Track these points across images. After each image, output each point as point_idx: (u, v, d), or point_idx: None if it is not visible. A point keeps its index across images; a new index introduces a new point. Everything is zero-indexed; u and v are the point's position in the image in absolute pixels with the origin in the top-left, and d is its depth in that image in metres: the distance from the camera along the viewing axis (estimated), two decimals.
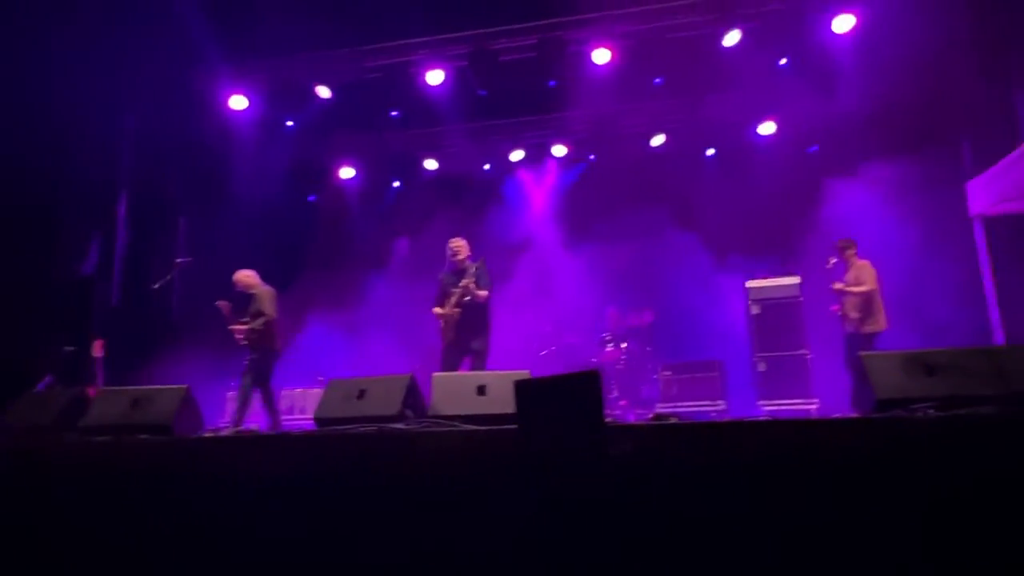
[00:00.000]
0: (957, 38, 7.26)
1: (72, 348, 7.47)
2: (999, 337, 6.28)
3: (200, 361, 7.75)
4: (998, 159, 5.94)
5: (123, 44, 7.95)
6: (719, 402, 7.76)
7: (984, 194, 6.32)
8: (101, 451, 3.70)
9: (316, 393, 8.47)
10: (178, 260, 7.70)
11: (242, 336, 6.65)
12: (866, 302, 6.54)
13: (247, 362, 6.71)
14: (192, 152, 9.63)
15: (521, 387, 2.56)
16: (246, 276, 6.94)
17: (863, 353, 3.52)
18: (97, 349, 6.85)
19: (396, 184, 11.22)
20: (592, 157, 10.53)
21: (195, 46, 8.40)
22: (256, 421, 7.62)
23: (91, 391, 6.37)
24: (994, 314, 6.33)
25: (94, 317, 8.04)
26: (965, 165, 8.29)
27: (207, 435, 4.22)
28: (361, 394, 3.87)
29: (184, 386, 4.24)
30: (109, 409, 4.18)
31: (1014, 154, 5.63)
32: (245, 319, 6.72)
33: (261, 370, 6.72)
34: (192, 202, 9.65)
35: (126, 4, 7.86)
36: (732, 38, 7.90)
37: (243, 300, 6.87)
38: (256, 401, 6.77)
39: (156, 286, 7.36)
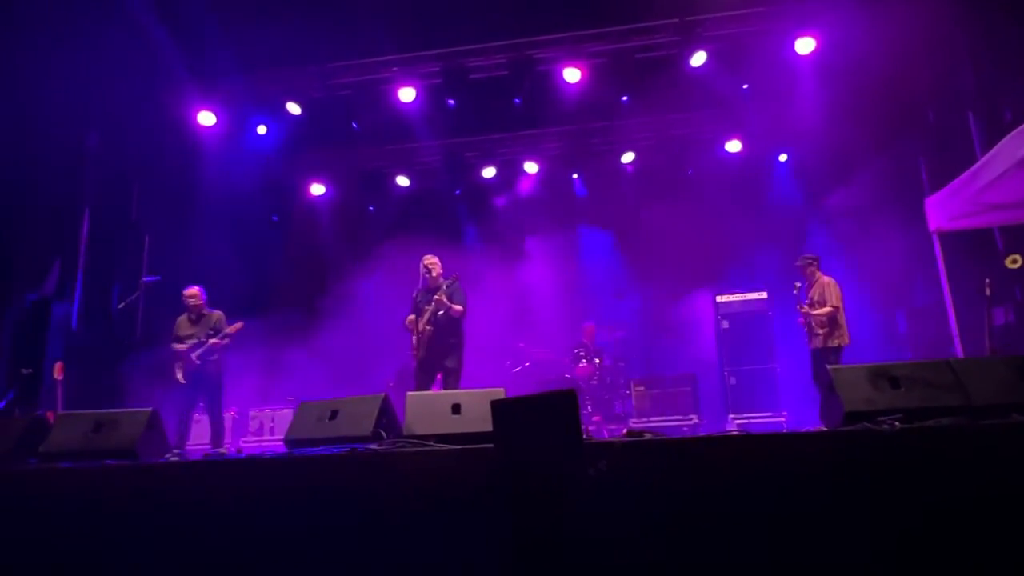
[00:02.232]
0: (913, 61, 7.54)
1: (30, 371, 7.22)
2: (958, 348, 6.47)
3: (165, 383, 7.56)
4: (954, 176, 6.15)
5: (86, 59, 7.78)
6: (692, 416, 7.83)
7: (941, 210, 6.52)
8: (63, 478, 3.57)
9: (286, 414, 8.32)
10: (145, 279, 7.53)
11: (220, 349, 6.53)
12: (831, 318, 6.68)
13: (209, 383, 6.55)
14: (158, 169, 9.46)
15: (498, 407, 2.55)
16: (201, 294, 6.78)
17: (832, 366, 3.60)
18: (57, 371, 6.63)
19: (367, 200, 11.15)
20: (568, 174, 10.62)
21: (161, 61, 8.28)
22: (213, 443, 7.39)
23: (51, 415, 6.16)
24: (953, 326, 6.52)
25: (53, 339, 7.80)
26: (923, 182, 8.59)
27: (174, 459, 4.11)
28: (333, 415, 3.81)
29: (149, 409, 4.12)
30: (70, 434, 4.04)
31: (968, 172, 5.84)
32: (204, 340, 6.55)
33: (222, 387, 6.67)
34: (158, 220, 9.45)
35: (88, 19, 7.71)
36: (699, 59, 8.09)
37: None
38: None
39: (121, 306, 7.18)
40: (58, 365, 6.65)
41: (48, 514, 3.43)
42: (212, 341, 6.46)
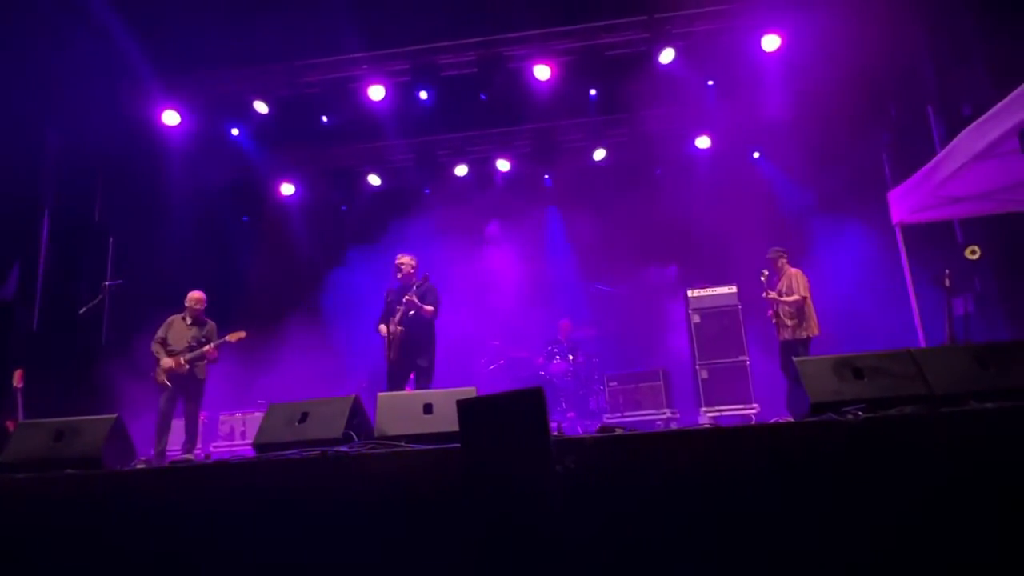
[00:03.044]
0: (875, 58, 7.69)
1: None
2: (921, 338, 6.63)
3: (132, 388, 7.41)
4: (916, 170, 6.29)
5: (45, 56, 7.58)
6: (665, 411, 7.90)
7: (903, 204, 6.67)
8: (24, 488, 3.47)
9: (258, 418, 8.20)
10: (107, 283, 7.36)
11: (212, 360, 6.47)
12: (799, 309, 6.81)
13: (193, 387, 6.47)
14: (121, 169, 9.24)
15: (464, 406, 2.53)
16: (204, 300, 6.68)
17: (797, 358, 3.65)
18: (17, 379, 6.45)
19: (338, 199, 11.04)
20: (540, 171, 10.63)
21: (124, 59, 8.07)
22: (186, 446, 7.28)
23: (10, 424, 5.99)
24: (916, 316, 6.67)
25: (13, 345, 7.58)
26: (886, 176, 8.79)
27: (140, 467, 4.03)
28: (303, 417, 3.77)
29: (113, 415, 4.03)
30: (31, 443, 3.93)
31: (928, 166, 5.97)
32: (195, 345, 6.46)
33: (203, 393, 6.61)
34: (122, 221, 9.23)
35: (47, 15, 7.50)
36: (667, 56, 8.15)
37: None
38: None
39: (83, 311, 7.01)
40: (18, 373, 6.48)
41: (8, 527, 3.34)
42: (206, 348, 6.39)
